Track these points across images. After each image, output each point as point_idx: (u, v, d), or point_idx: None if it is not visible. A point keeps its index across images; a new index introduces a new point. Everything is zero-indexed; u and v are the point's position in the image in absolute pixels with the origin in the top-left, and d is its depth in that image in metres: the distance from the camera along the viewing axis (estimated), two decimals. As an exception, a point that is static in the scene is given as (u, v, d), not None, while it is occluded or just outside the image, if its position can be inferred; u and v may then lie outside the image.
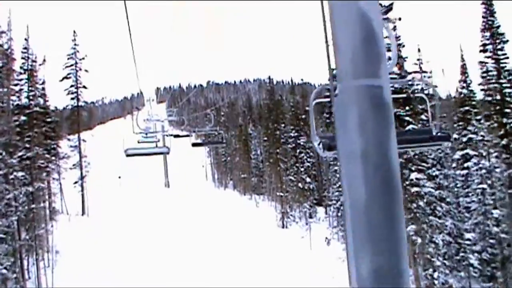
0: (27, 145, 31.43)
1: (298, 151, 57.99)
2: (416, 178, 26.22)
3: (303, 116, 61.55)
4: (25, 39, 36.46)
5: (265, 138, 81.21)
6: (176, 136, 29.93)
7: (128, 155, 14.41)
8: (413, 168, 26.62)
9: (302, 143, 58.58)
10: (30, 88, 35.48)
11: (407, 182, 26.45)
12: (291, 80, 63.54)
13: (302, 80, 61.27)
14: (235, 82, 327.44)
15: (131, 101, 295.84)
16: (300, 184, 57.84)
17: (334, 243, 46.86)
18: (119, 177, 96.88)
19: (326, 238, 46.43)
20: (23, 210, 28.76)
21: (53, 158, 51.85)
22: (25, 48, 36.18)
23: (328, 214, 60.38)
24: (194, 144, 22.33)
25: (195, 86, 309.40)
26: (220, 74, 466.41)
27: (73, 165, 56.03)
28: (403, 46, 31.18)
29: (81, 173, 56.38)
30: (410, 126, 26.62)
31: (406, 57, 31.74)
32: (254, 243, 46.73)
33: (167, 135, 24.39)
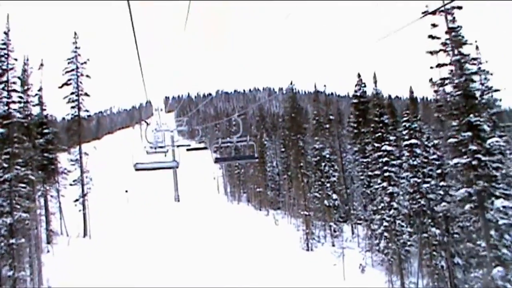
0: (5, 164, 25.78)
1: (323, 164, 52.14)
2: (503, 207, 20.35)
3: (327, 126, 55.83)
4: (5, 33, 30.82)
5: (283, 149, 75.59)
6: (191, 149, 25.52)
7: (137, 170, 14.15)
8: (497, 193, 20.75)
9: (327, 156, 52.74)
10: (11, 94, 29.66)
11: (491, 212, 20.65)
12: (315, 87, 58.14)
13: (324, 86, 56.34)
14: (244, 91, 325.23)
15: (139, 110, 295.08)
16: (326, 201, 51.95)
17: (370, 270, 40.96)
18: (126, 191, 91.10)
19: (361, 265, 40.50)
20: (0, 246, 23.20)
21: (51, 173, 46.46)
22: (4, 44, 30.53)
23: (355, 233, 54.57)
24: (218, 160, 16.93)
25: (204, 95, 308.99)
26: (229, 82, 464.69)
27: (74, 181, 50.40)
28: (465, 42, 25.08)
29: (83, 190, 50.70)
30: (494, 139, 20.76)
31: (468, 55, 25.61)
32: (277, 268, 41.06)
33: (180, 146, 21.74)
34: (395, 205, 33.49)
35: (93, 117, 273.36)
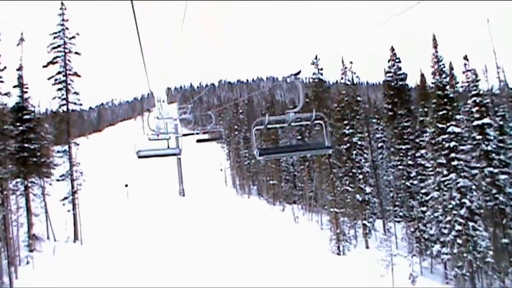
0: None
1: (354, 152, 44.44)
2: None
3: (356, 108, 48.04)
4: None
5: (299, 137, 68.07)
6: (202, 140, 22.74)
7: (140, 157, 13.96)
8: None
9: (358, 143, 45.12)
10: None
11: None
12: (342, 62, 50.12)
13: (351, 63, 48.01)
14: (247, 80, 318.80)
15: (141, 102, 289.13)
16: (358, 196, 44.32)
17: (420, 280, 33.35)
18: (126, 186, 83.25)
19: (411, 274, 32.87)
20: None
21: (34, 167, 38.84)
22: None
23: (391, 232, 47.09)
24: (263, 153, 9.35)
25: (206, 85, 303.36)
26: (232, 73, 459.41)
27: (61, 176, 42.59)
28: None
29: (72, 186, 42.77)
30: None
31: None
32: (303, 275, 33.52)
33: (185, 135, 20.64)
34: (467, 202, 25.83)
35: (95, 109, 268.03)
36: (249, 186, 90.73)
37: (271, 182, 74.53)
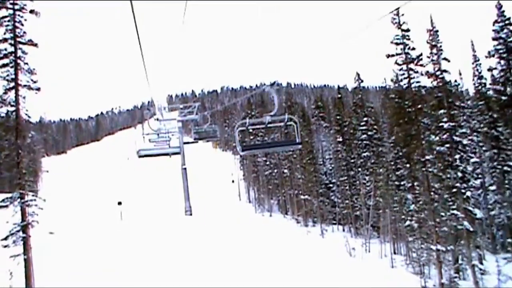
0: None
1: (457, 157, 29.09)
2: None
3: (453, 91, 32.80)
4: None
5: (340, 139, 53.15)
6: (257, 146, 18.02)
7: (140, 156, 14.97)
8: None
9: (463, 142, 29.85)
10: None
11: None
12: (431, 28, 36.65)
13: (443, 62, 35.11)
14: (251, 86, 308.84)
15: (142, 110, 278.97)
16: (467, 223, 28.82)
17: None
18: (119, 204, 66.82)
19: None
20: None
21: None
22: None
23: (504, 276, 31.71)
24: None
25: (209, 92, 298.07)
26: (235, 78, 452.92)
27: (2, 201, 26.53)
28: None
29: (22, 217, 26.52)
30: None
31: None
32: None
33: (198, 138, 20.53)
34: None
35: (93, 118, 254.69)
36: (269, 201, 75.08)
37: (301, 197, 58.96)
